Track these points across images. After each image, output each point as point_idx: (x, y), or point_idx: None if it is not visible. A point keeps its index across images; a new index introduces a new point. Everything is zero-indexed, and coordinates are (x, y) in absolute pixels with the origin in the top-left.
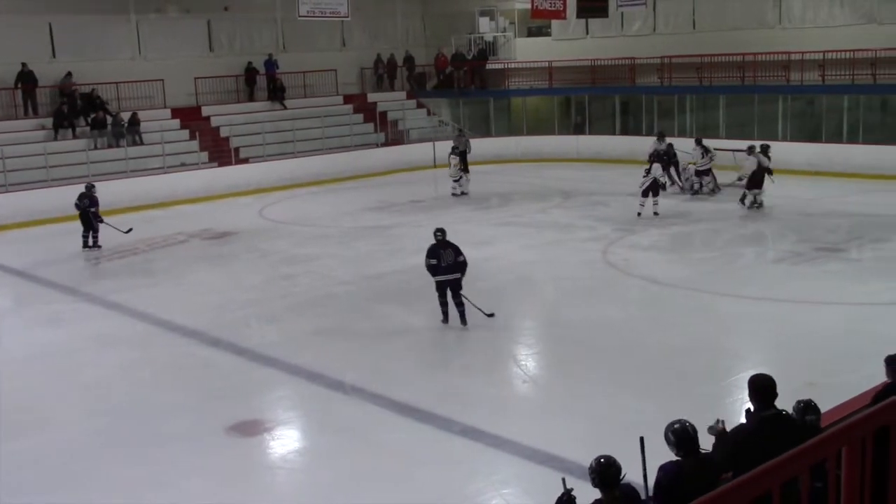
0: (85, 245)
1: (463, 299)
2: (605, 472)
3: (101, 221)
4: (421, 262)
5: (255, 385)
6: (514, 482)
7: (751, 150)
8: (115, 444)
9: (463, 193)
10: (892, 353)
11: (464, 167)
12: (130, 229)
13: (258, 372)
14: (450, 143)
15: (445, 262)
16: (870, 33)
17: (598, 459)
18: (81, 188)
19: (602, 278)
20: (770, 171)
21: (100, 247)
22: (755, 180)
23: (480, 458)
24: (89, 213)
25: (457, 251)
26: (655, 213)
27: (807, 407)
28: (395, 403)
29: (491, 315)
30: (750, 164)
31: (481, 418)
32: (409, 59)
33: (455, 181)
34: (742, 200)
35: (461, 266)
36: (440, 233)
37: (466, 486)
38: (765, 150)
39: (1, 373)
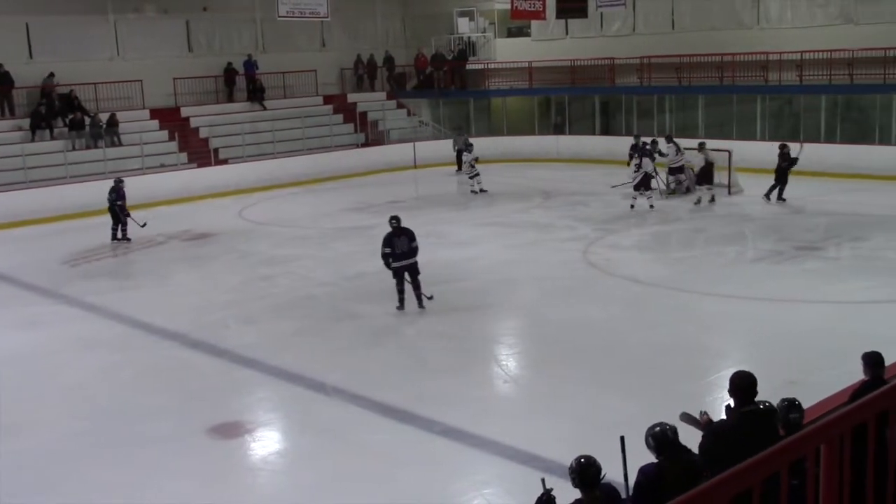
0: (113, 237)
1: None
2: (585, 472)
3: (128, 215)
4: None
5: (236, 386)
6: (496, 482)
7: (701, 146)
8: (96, 446)
9: (482, 191)
10: (869, 350)
11: (458, 167)
12: (145, 224)
13: (238, 373)
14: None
15: (400, 249)
16: (847, 33)
17: (578, 459)
18: (111, 182)
19: (583, 278)
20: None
21: (129, 239)
22: (706, 176)
23: (462, 458)
24: (116, 206)
25: (411, 237)
26: (651, 207)
27: (790, 406)
28: (377, 404)
29: (430, 297)
30: (698, 161)
31: (463, 419)
32: (389, 60)
33: (470, 178)
34: (698, 201)
35: (414, 251)
36: (395, 220)
37: (448, 486)
38: (701, 147)
39: None
